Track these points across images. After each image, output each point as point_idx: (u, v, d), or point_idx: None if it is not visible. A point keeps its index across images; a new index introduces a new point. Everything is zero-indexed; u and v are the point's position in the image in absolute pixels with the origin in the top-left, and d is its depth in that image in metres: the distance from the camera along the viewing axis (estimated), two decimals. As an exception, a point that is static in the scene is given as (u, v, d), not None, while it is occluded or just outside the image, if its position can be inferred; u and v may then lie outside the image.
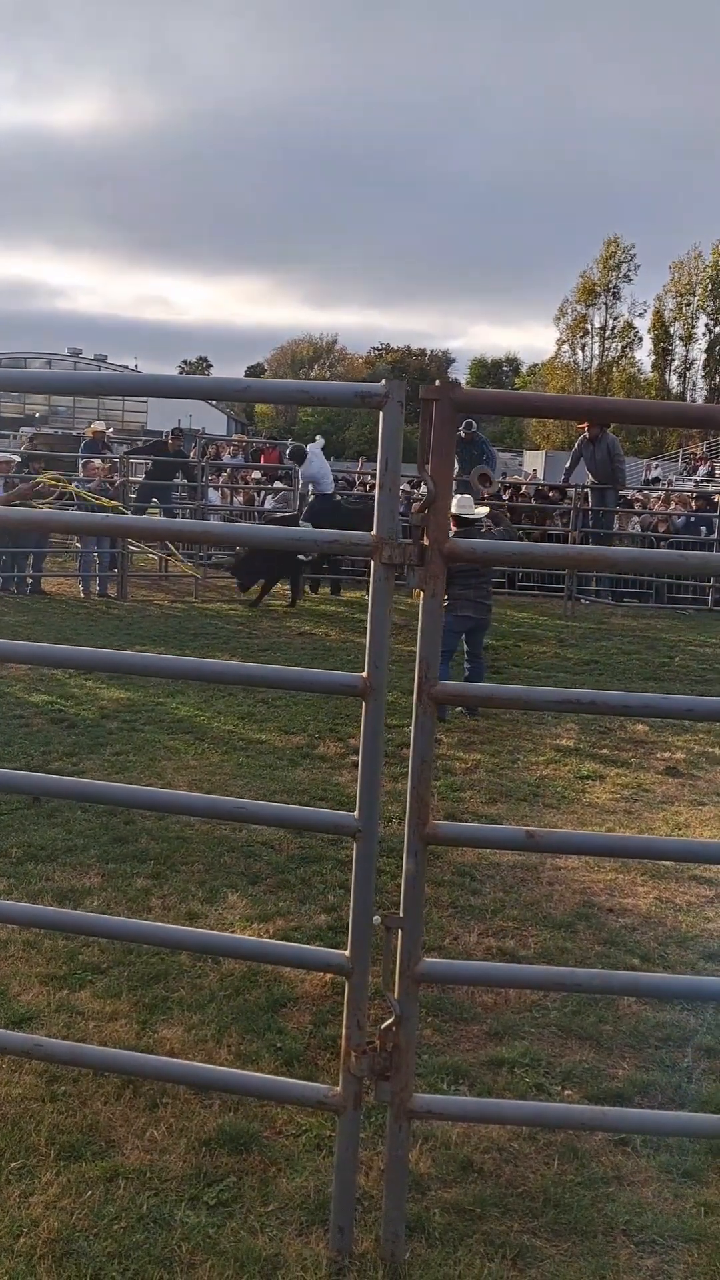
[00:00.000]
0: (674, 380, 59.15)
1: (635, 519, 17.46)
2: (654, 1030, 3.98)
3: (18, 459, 15.53)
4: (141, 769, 6.82)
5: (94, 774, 6.56)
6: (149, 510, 16.30)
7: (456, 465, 2.99)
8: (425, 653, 2.69)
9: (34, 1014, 3.81)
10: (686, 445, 46.67)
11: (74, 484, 13.46)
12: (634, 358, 60.87)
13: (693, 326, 58.22)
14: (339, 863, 5.37)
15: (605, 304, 59.76)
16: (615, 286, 59.47)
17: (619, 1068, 3.75)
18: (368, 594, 2.75)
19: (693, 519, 17.01)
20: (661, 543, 16.18)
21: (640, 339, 60.35)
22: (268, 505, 18.23)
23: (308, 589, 15.85)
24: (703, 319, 57.70)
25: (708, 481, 24.65)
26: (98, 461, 15.37)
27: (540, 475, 32.11)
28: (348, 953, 2.78)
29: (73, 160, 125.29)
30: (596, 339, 60.40)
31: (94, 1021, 3.79)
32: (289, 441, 22.13)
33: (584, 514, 15.78)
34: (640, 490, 21.82)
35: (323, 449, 16.48)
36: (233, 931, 4.44)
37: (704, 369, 58.20)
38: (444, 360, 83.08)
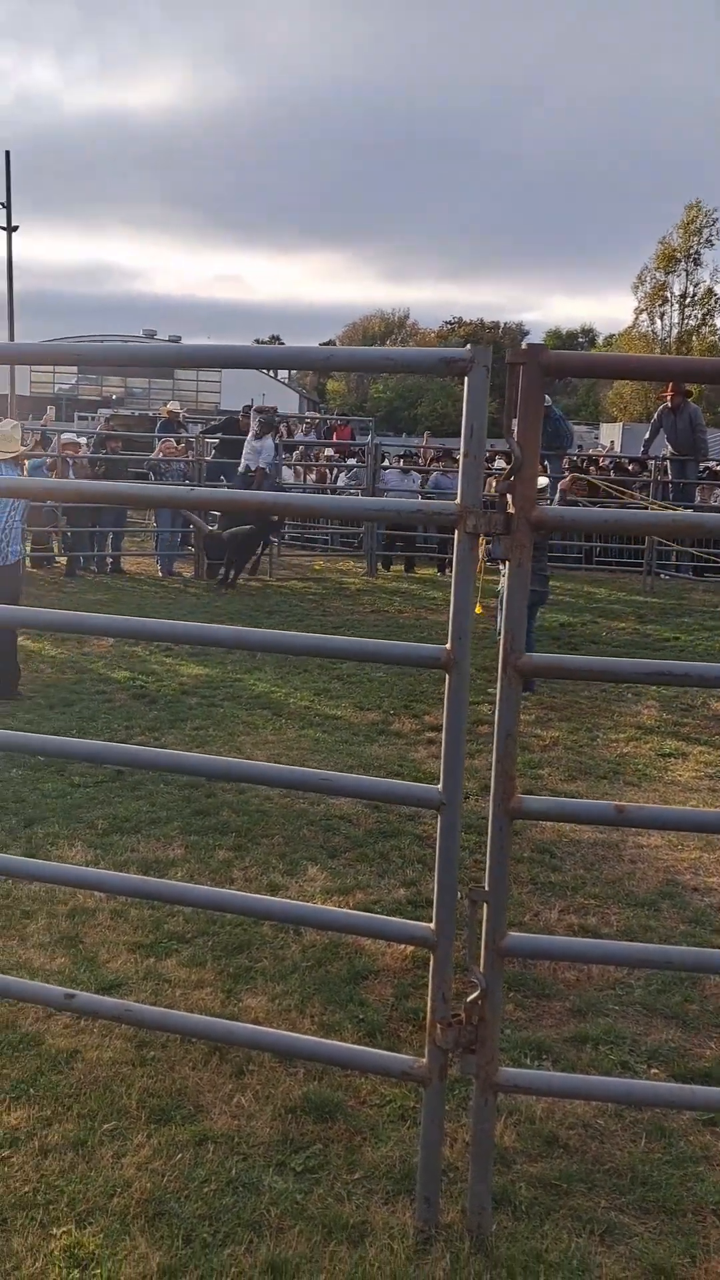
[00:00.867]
0: (756, 346, 57.62)
1: (718, 491, 17.09)
2: (741, 1009, 3.92)
3: (84, 441, 15.73)
4: (221, 743, 6.89)
5: (175, 748, 6.63)
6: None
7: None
8: (510, 624, 2.66)
9: (122, 981, 3.88)
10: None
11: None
12: (715, 325, 59.38)
13: (776, 290, 56.60)
14: (417, 838, 5.37)
15: (686, 270, 58.27)
16: (696, 252, 57.95)
17: (706, 1047, 3.70)
18: (439, 571, 2.73)
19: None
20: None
21: (722, 305, 58.79)
22: (341, 482, 18.22)
23: (381, 566, 15.83)
24: (787, 282, 56.10)
25: None
26: (172, 441, 15.50)
27: (618, 448, 31.62)
28: (432, 925, 2.77)
29: (149, 142, 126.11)
30: (676, 307, 59.02)
31: (180, 989, 3.85)
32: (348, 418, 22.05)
33: (664, 487, 15.48)
34: (722, 462, 21.35)
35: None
36: (313, 904, 4.47)
37: (787, 333, 56.67)
38: (518, 333, 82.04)
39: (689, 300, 58.97)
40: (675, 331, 59.08)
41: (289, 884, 4.78)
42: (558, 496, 9.68)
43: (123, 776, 6.05)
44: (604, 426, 44.33)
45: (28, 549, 14.54)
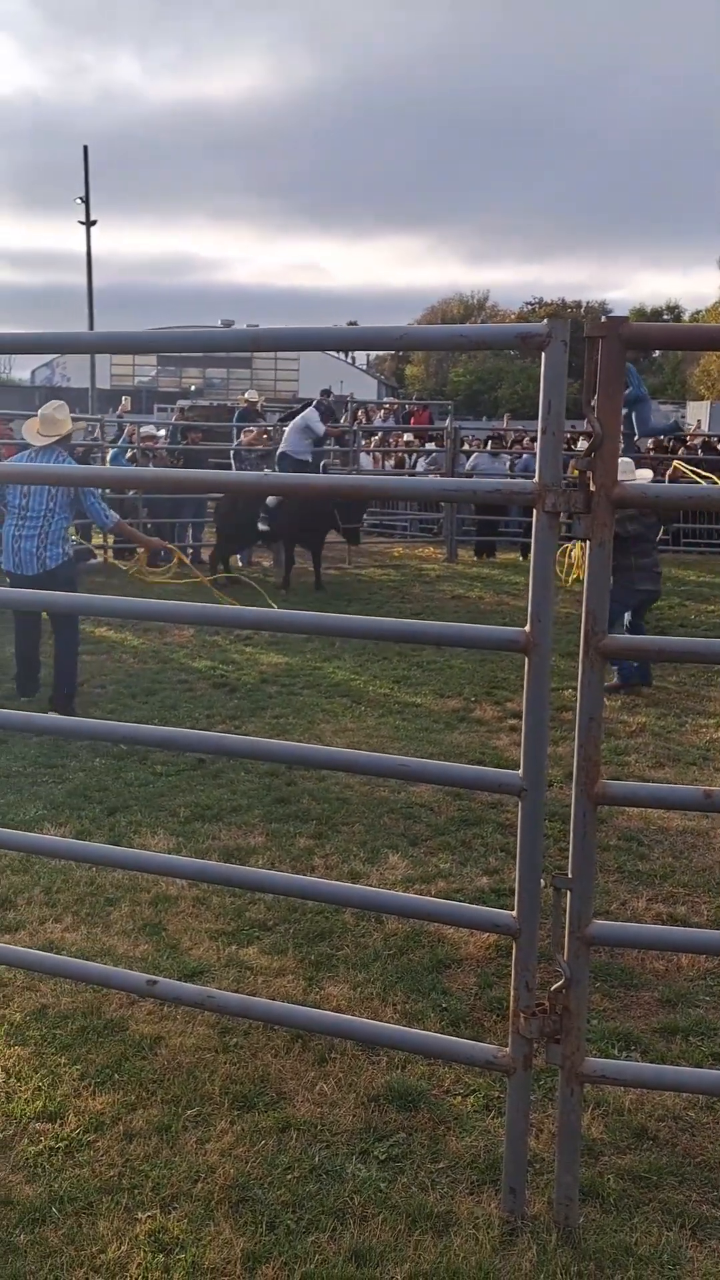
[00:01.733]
0: None
1: None
2: None
3: (161, 433, 15.87)
4: (301, 731, 6.90)
5: (255, 736, 6.66)
6: None
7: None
8: (592, 605, 2.59)
9: (205, 968, 3.90)
10: None
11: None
12: None
13: None
14: (500, 825, 5.31)
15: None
16: (782, 226, 56.27)
17: None
18: (522, 556, 2.66)
19: None
20: None
21: None
22: (420, 468, 18.12)
23: (471, 552, 15.69)
24: None
25: None
26: (252, 429, 15.56)
27: (705, 426, 30.93)
28: (515, 913, 2.72)
29: (229, 130, 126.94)
30: (761, 283, 57.37)
31: (262, 977, 3.85)
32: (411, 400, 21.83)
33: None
34: None
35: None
36: (394, 891, 4.44)
37: None
38: (601, 311, 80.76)
39: (775, 274, 57.26)
40: (761, 306, 57.50)
41: (370, 872, 4.76)
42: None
43: (204, 765, 6.09)
44: (690, 405, 43.44)
45: (110, 540, 14.76)
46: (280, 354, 61.60)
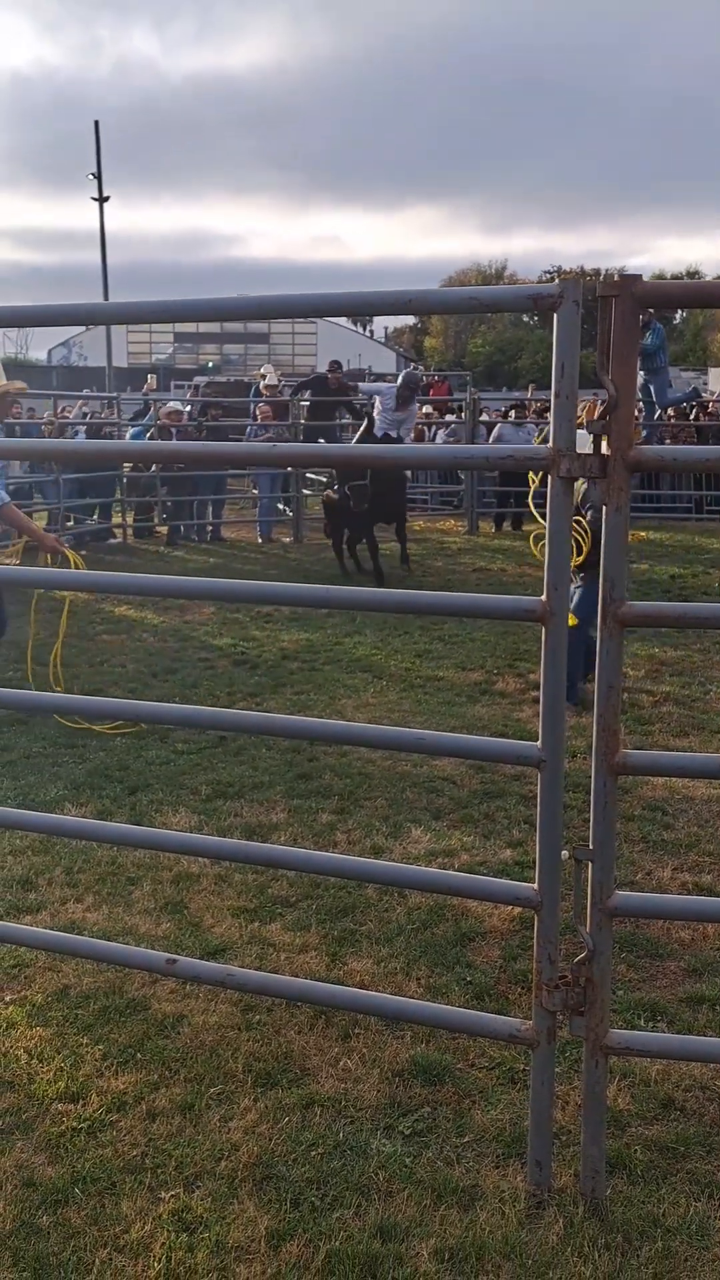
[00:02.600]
0: None
1: None
2: None
3: (187, 409, 15.82)
4: (322, 707, 6.87)
5: (276, 713, 6.63)
6: None
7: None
8: (610, 571, 2.54)
9: (227, 945, 3.88)
10: None
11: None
12: None
13: None
14: (522, 798, 5.27)
15: None
16: None
17: None
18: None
19: None
20: None
21: None
22: (439, 440, 17.99)
23: (490, 525, 15.56)
24: None
25: None
26: (267, 407, 15.48)
27: (725, 393, 30.53)
28: (535, 885, 2.68)
29: (248, 103, 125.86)
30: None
31: (285, 953, 3.84)
32: (415, 370, 21.63)
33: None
34: None
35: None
36: (418, 866, 4.41)
37: None
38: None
39: None
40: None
41: (392, 846, 4.73)
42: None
43: (225, 742, 6.08)
44: (712, 371, 42.95)
45: (130, 520, 14.77)
46: (297, 329, 61.33)
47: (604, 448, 2.48)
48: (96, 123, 35.35)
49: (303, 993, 3.19)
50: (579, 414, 2.47)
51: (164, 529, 14.72)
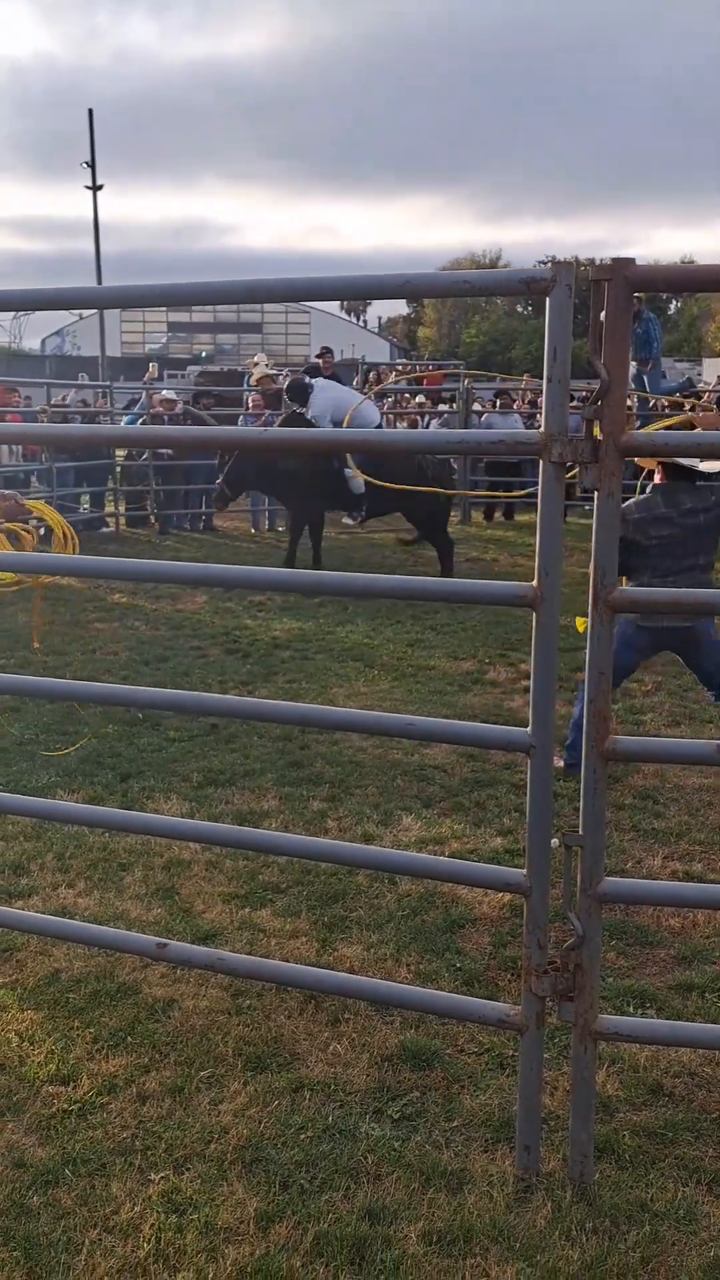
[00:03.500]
0: None
1: None
2: None
3: (178, 400, 15.77)
4: (314, 695, 6.87)
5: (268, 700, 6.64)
6: None
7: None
8: (600, 557, 2.54)
9: (218, 931, 3.89)
10: None
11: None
12: None
13: None
14: (513, 786, 5.28)
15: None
16: None
17: None
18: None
19: None
20: None
21: None
22: (433, 430, 17.96)
23: (482, 515, 15.55)
24: None
25: None
26: (260, 396, 15.44)
27: None
28: (525, 871, 2.69)
29: (246, 93, 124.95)
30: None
31: (275, 939, 3.84)
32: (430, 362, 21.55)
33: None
34: None
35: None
36: (408, 852, 4.42)
37: None
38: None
39: None
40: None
41: (383, 834, 4.74)
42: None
43: (216, 731, 6.08)
44: (706, 362, 42.94)
45: (122, 509, 14.74)
46: (291, 319, 61.14)
47: (596, 433, 2.48)
48: (90, 111, 35.23)
49: (292, 977, 3.20)
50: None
51: (156, 519, 14.69)
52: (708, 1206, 2.65)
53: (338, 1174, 2.73)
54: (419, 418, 18.34)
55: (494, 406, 16.97)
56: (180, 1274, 2.41)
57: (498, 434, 2.66)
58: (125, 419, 15.54)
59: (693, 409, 14.52)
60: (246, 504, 15.65)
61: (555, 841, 2.70)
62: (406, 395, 20.41)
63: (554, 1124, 2.90)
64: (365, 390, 15.64)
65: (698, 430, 5.15)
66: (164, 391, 15.51)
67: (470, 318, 69.14)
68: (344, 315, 66.85)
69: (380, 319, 76.54)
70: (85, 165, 35.27)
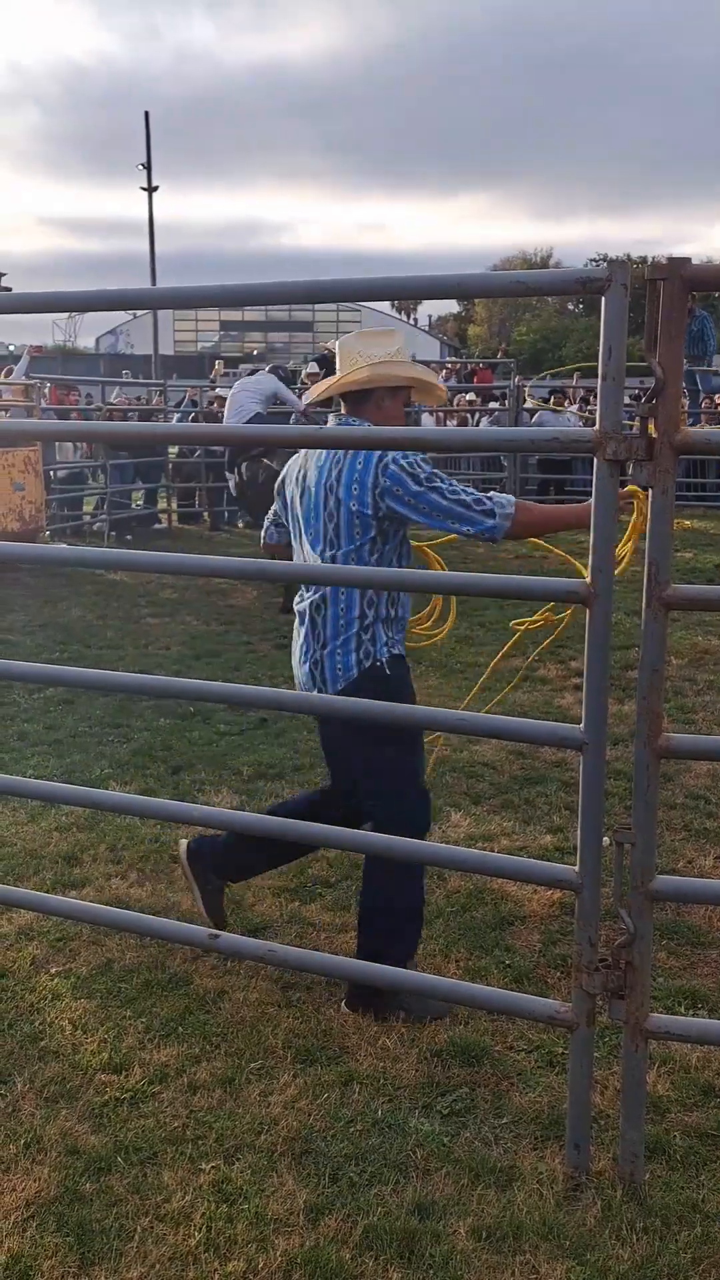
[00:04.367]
0: None
1: None
2: None
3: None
4: (364, 691, 6.88)
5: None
6: None
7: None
8: (655, 554, 2.52)
9: (267, 924, 3.92)
10: None
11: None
12: None
13: None
14: (563, 784, 5.26)
15: None
16: None
17: None
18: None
19: None
20: None
21: None
22: (483, 427, 17.90)
23: None
24: None
25: None
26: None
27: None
28: (577, 867, 2.68)
29: (304, 91, 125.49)
30: None
31: (324, 933, 3.86)
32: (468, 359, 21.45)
33: None
34: None
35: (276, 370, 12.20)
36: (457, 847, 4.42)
37: None
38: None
39: None
40: None
41: (432, 830, 4.73)
42: None
43: (267, 724, 6.11)
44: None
45: (174, 505, 14.87)
46: (342, 317, 61.20)
47: (651, 431, 2.47)
48: (147, 114, 35.57)
49: (344, 970, 3.21)
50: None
51: (208, 515, 14.81)
52: (760, 1209, 2.63)
53: (387, 1168, 2.74)
54: (469, 415, 18.30)
55: (545, 404, 16.86)
56: (231, 1263, 2.44)
57: (551, 431, 2.65)
58: (176, 417, 15.67)
59: None
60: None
61: (606, 840, 2.69)
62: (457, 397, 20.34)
63: (604, 1123, 2.90)
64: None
65: None
66: (218, 390, 15.62)
67: (520, 315, 68.75)
68: (395, 314, 66.79)
69: (430, 317, 76.40)
70: (141, 167, 35.59)
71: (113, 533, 13.50)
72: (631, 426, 2.51)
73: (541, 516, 3.35)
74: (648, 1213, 2.60)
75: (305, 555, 3.41)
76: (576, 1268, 2.43)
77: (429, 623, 4.00)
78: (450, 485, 3.19)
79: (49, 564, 10.59)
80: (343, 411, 3.46)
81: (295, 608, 3.56)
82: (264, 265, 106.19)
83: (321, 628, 3.39)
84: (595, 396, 2.50)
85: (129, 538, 13.93)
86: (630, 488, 2.70)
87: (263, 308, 57.28)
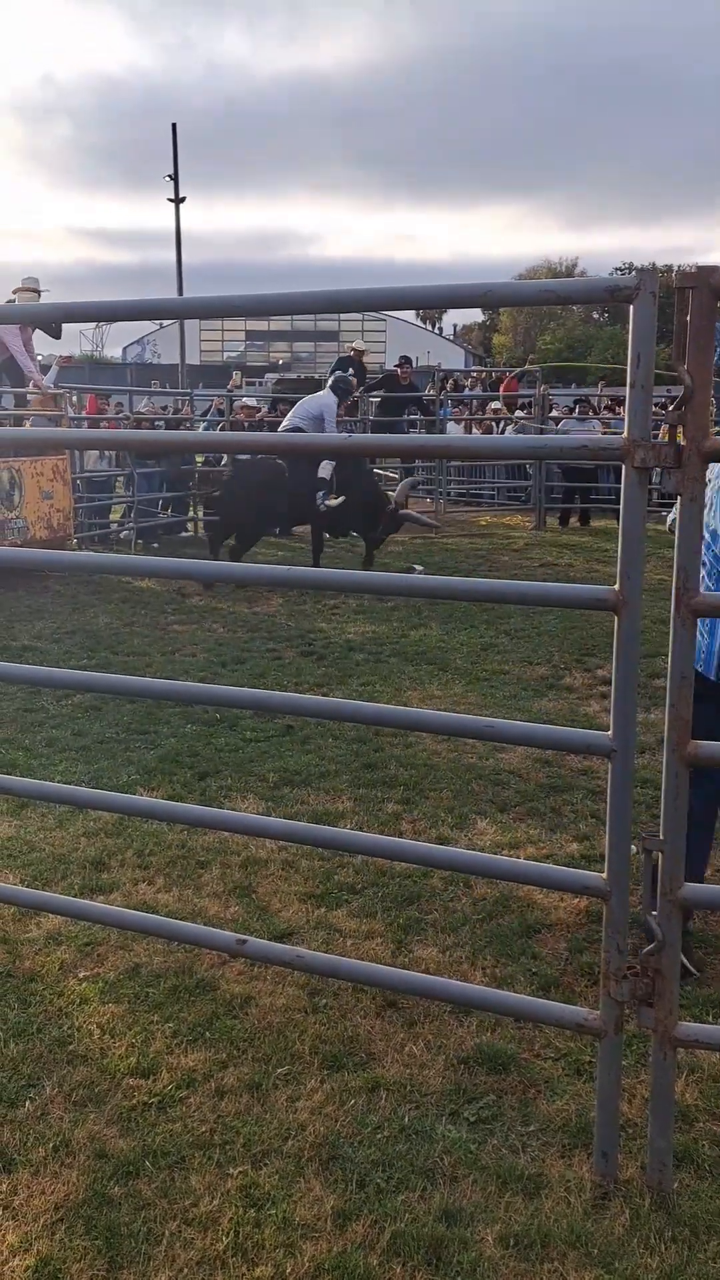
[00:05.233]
0: None
1: None
2: None
3: (264, 408, 15.98)
4: (388, 698, 6.89)
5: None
6: None
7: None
8: (683, 560, 2.53)
9: (294, 930, 3.93)
10: None
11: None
12: None
13: None
14: (590, 792, 5.24)
15: None
16: None
17: None
18: (617, 521, 2.61)
19: None
20: None
21: None
22: (508, 435, 17.91)
23: (557, 521, 15.45)
24: None
25: None
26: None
27: None
28: (605, 875, 2.68)
29: (337, 102, 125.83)
30: None
31: (351, 939, 3.87)
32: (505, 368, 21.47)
33: None
34: None
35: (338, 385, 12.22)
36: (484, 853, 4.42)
37: None
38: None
39: None
40: None
41: (458, 837, 4.74)
42: None
43: (292, 732, 6.13)
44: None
45: (200, 514, 14.94)
46: (367, 326, 61.35)
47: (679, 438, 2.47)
48: (174, 126, 35.78)
49: (371, 976, 3.21)
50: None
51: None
52: (789, 1220, 2.61)
53: (414, 1174, 2.74)
54: (494, 424, 18.31)
55: (570, 413, 16.87)
56: (259, 1268, 2.45)
57: (580, 439, 2.66)
58: (203, 426, 15.76)
59: None
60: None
61: (634, 847, 2.68)
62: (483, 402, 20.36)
63: (631, 1131, 2.89)
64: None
65: None
66: (245, 399, 15.71)
67: (545, 324, 68.69)
68: (419, 323, 66.86)
69: (455, 326, 76.45)
70: (168, 179, 35.83)
71: (140, 540, 13.59)
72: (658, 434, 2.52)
73: None
74: (676, 1222, 2.59)
75: None
76: (605, 1276, 2.43)
77: None
78: None
79: (77, 571, 10.68)
80: None
81: None
82: (293, 276, 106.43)
83: None
84: (621, 405, 2.51)
85: (155, 545, 14.02)
86: None
87: (288, 317, 57.50)
